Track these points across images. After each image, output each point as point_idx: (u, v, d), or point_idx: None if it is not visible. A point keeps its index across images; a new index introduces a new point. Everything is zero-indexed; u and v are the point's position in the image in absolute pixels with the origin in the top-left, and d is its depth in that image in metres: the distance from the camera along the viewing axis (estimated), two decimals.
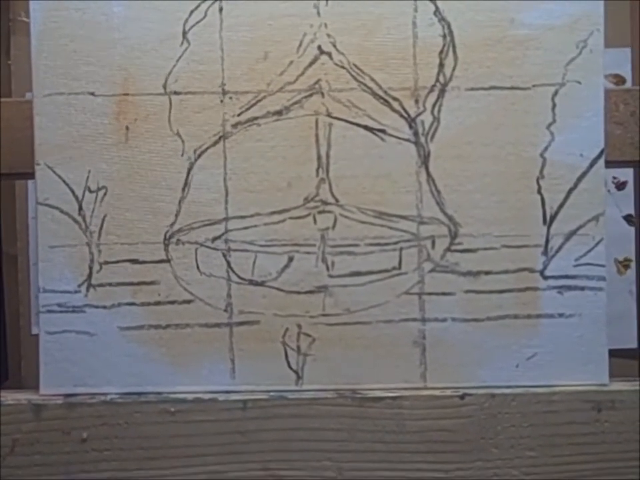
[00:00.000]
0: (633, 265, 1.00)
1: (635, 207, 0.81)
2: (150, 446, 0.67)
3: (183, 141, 0.68)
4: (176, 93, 0.68)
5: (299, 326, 0.68)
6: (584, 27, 0.68)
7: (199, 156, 0.68)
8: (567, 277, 0.68)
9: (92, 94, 0.68)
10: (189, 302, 0.68)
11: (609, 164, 0.70)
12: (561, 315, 0.68)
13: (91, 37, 0.68)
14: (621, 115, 0.74)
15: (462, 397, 0.68)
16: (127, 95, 0.68)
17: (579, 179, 0.68)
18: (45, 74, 0.68)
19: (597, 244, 0.68)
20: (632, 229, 0.94)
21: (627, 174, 1.00)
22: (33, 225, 0.91)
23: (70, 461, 0.67)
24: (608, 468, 0.67)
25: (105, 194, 0.68)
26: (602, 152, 0.68)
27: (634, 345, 0.80)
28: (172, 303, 0.68)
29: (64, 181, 0.68)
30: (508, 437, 0.68)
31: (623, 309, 0.82)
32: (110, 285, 0.68)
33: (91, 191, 0.68)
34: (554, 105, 0.68)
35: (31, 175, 0.69)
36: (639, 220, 0.81)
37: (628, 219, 1.01)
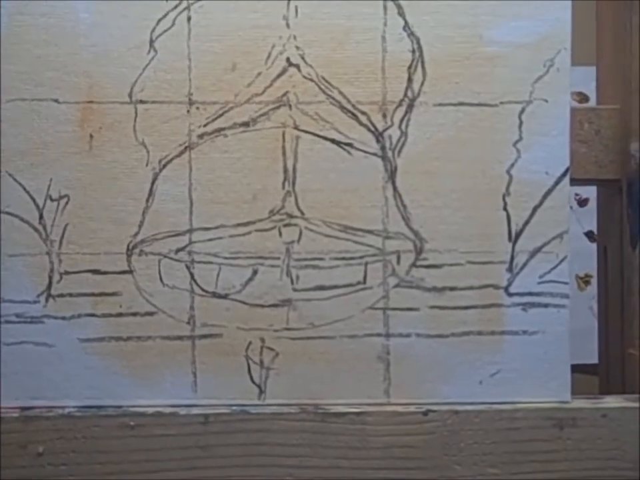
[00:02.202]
0: (594, 281, 1.01)
1: (597, 223, 0.81)
2: (108, 461, 0.66)
3: (148, 151, 0.67)
4: (142, 101, 0.67)
5: (262, 340, 0.68)
6: (551, 45, 0.68)
7: (164, 166, 0.67)
8: (531, 294, 0.68)
9: (56, 101, 0.67)
10: (151, 314, 0.67)
11: (573, 182, 0.70)
12: (524, 332, 0.68)
13: (56, 42, 0.66)
14: (585, 134, 0.75)
15: (425, 413, 0.67)
16: (91, 102, 0.67)
17: (544, 197, 0.69)
18: (9, 79, 0.66)
19: (560, 261, 0.69)
20: (593, 245, 0.94)
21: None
22: None
23: (26, 476, 0.66)
24: None
25: (66, 202, 0.67)
26: (567, 170, 0.69)
27: (594, 361, 0.81)
28: (134, 314, 0.67)
29: (24, 189, 0.67)
30: (471, 454, 0.67)
31: (583, 325, 0.82)
32: (70, 295, 0.67)
33: (52, 200, 0.67)
34: (521, 123, 0.68)
35: None
36: (600, 237, 0.81)
37: (589, 235, 1.02)
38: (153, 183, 0.67)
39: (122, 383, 0.67)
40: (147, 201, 0.67)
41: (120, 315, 0.67)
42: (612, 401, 0.70)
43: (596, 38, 0.82)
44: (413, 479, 0.67)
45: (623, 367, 0.76)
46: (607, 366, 0.79)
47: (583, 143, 0.74)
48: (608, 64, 0.79)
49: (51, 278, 0.67)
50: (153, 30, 0.67)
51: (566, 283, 0.69)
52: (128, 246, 0.67)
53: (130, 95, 0.67)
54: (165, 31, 0.67)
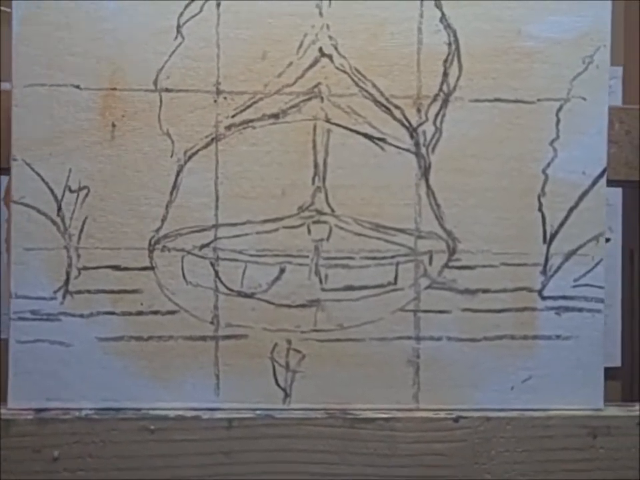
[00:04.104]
0: None
1: (622, 226, 0.79)
2: (127, 466, 0.63)
3: (172, 141, 0.64)
4: (167, 90, 0.64)
5: (289, 341, 0.65)
6: (591, 42, 0.66)
7: (189, 158, 0.64)
8: (565, 297, 0.66)
9: (77, 87, 0.63)
10: (173, 313, 0.64)
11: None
12: (558, 337, 0.66)
13: (78, 26, 0.63)
14: (615, 134, 0.73)
15: (456, 419, 0.65)
16: (114, 89, 0.63)
17: (581, 198, 0.66)
18: (27, 63, 0.63)
19: (596, 264, 0.67)
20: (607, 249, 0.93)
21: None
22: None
23: None
24: None
25: (86, 194, 0.63)
26: (604, 170, 0.67)
27: (614, 364, 0.79)
28: (155, 313, 0.64)
29: (42, 179, 0.63)
30: (502, 462, 0.65)
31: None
32: (88, 292, 0.64)
33: (71, 191, 0.63)
34: (558, 121, 0.66)
35: (6, 171, 0.63)
36: (627, 241, 0.79)
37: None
38: (177, 176, 0.64)
39: (141, 384, 0.64)
40: (171, 194, 0.64)
41: (140, 313, 0.64)
42: None
43: (624, 38, 0.80)
44: None
45: None
46: (631, 370, 0.78)
47: (613, 143, 0.72)
48: (635, 62, 0.77)
49: (68, 273, 0.64)
50: (181, 15, 0.64)
51: (601, 287, 0.67)
52: (150, 241, 0.64)
53: (155, 83, 0.64)
54: (193, 16, 0.64)
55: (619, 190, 0.80)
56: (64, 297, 0.64)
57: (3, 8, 0.85)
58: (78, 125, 0.63)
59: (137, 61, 0.64)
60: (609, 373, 0.76)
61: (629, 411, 0.67)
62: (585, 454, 0.66)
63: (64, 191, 0.63)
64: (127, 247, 0.64)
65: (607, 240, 1.01)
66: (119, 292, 0.64)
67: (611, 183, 0.72)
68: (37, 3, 0.63)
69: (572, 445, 0.66)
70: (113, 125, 0.64)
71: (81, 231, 0.64)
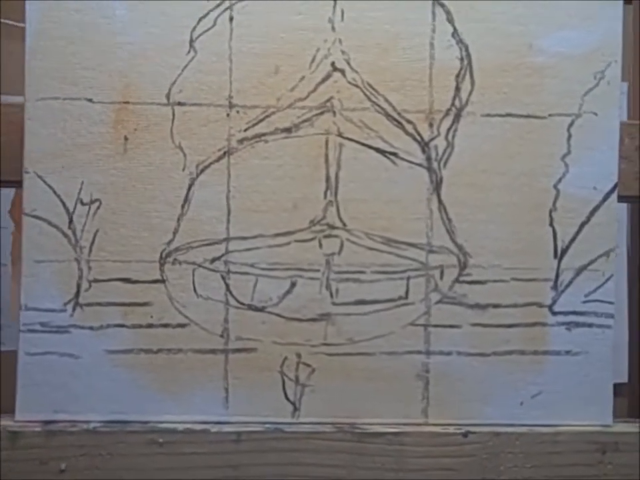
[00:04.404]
0: None
1: (631, 242, 0.79)
2: (134, 479, 0.63)
3: (184, 155, 0.64)
4: (180, 103, 0.64)
5: (299, 355, 0.65)
6: (602, 57, 0.66)
7: (202, 171, 0.64)
8: (575, 313, 0.66)
9: (89, 100, 0.63)
10: (183, 326, 0.64)
11: None
12: (567, 352, 0.66)
13: (91, 39, 0.63)
14: (626, 149, 0.72)
15: (465, 434, 0.65)
16: (127, 103, 0.63)
17: (592, 213, 0.66)
18: (40, 76, 0.63)
19: (607, 280, 0.67)
20: None
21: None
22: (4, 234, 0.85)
23: None
24: None
25: (98, 207, 0.64)
26: (615, 185, 0.67)
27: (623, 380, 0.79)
28: (165, 326, 0.64)
29: (54, 192, 0.63)
30: (510, 478, 0.65)
31: None
32: (99, 304, 0.64)
33: (83, 204, 0.64)
34: (569, 136, 0.66)
35: (19, 184, 0.64)
36: (635, 257, 0.79)
37: None
38: (189, 189, 0.64)
39: (150, 397, 0.64)
40: (183, 207, 0.64)
41: (150, 326, 0.64)
42: None
43: (633, 53, 0.80)
44: None
45: None
46: (638, 386, 0.77)
47: (623, 159, 0.72)
48: (638, 79, 0.77)
49: (79, 286, 0.64)
50: (194, 29, 0.64)
51: (612, 303, 0.67)
52: (161, 254, 0.64)
53: (167, 96, 0.64)
54: (206, 30, 0.64)
55: (624, 205, 0.80)
56: (74, 309, 0.64)
57: (4, 20, 0.85)
58: (90, 138, 0.63)
59: (149, 75, 0.64)
60: (616, 389, 0.76)
61: (637, 427, 0.67)
62: (593, 470, 0.66)
63: (75, 204, 0.63)
64: (137, 259, 0.64)
65: None
66: (130, 304, 0.64)
67: (621, 199, 0.72)
68: (50, 16, 0.63)
69: (581, 460, 0.66)
70: (126, 139, 0.64)
71: (92, 243, 0.64)
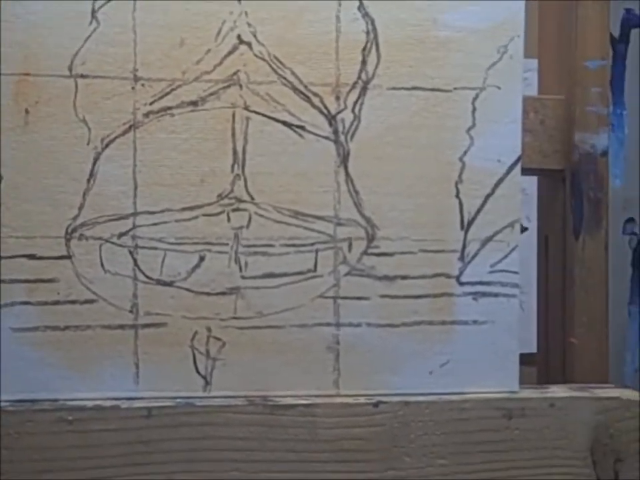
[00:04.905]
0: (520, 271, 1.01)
1: (537, 213, 0.81)
2: (43, 458, 0.62)
3: (89, 129, 0.63)
4: (83, 76, 0.63)
5: (209, 329, 0.65)
6: (505, 32, 0.67)
7: (107, 145, 0.63)
8: (481, 283, 0.68)
9: None
10: (91, 302, 0.63)
11: None
12: (474, 322, 0.68)
13: None
14: (530, 123, 0.74)
15: (376, 404, 0.66)
16: (27, 74, 0.62)
17: (496, 185, 0.68)
18: None
19: (511, 250, 0.68)
20: (521, 236, 0.94)
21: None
22: None
23: None
24: (518, 476, 0.67)
25: None
26: (519, 158, 0.68)
27: (530, 350, 0.81)
28: (72, 302, 0.63)
29: None
30: (420, 445, 0.66)
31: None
32: (3, 281, 0.62)
33: None
34: (474, 109, 0.67)
35: None
36: (541, 227, 0.81)
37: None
38: (94, 163, 0.63)
39: (58, 375, 0.63)
40: (88, 182, 0.63)
41: (57, 302, 0.63)
42: (558, 391, 0.70)
43: (538, 29, 0.81)
44: (363, 471, 0.65)
45: (564, 357, 0.76)
46: (546, 356, 0.79)
47: (527, 132, 0.73)
48: (551, 55, 0.79)
49: None
50: None
51: (516, 273, 0.68)
52: (67, 229, 0.63)
53: (70, 68, 0.63)
54: (108, 0, 0.63)
55: (535, 179, 0.82)
56: None
57: None
58: None
59: (50, 46, 0.62)
60: (525, 359, 0.78)
61: (542, 393, 0.69)
62: (500, 435, 0.67)
63: None
64: (42, 235, 0.63)
65: (525, 229, 1.03)
66: (35, 281, 0.63)
67: (526, 171, 0.74)
68: None
69: (488, 426, 0.67)
70: (27, 111, 0.62)
71: None
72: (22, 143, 0.62)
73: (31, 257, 0.63)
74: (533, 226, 0.87)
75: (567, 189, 0.75)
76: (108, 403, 0.63)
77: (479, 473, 0.67)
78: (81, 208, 0.63)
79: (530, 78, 0.85)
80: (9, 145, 0.62)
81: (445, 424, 0.67)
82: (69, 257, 0.63)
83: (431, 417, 0.66)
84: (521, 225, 0.87)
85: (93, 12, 0.63)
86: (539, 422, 0.68)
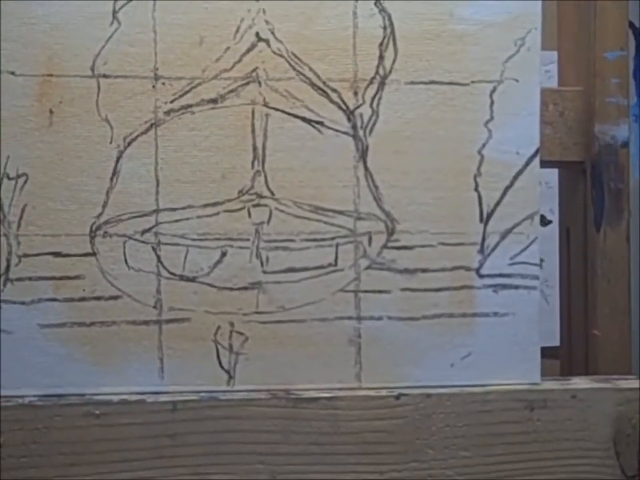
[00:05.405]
0: (544, 264, 1.01)
1: (559, 205, 0.81)
2: (72, 451, 0.63)
3: (111, 127, 0.64)
4: (105, 75, 0.64)
5: (232, 324, 0.66)
6: (522, 24, 0.68)
7: (129, 144, 0.64)
8: (501, 275, 0.68)
9: (12, 73, 0.63)
10: (115, 298, 0.64)
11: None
12: (495, 314, 0.68)
13: (12, 11, 0.63)
14: (550, 115, 0.74)
15: (397, 397, 0.66)
16: (50, 75, 0.63)
17: (515, 177, 0.68)
18: None
19: (531, 243, 0.68)
20: (544, 229, 0.94)
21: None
22: None
23: None
24: (540, 467, 0.67)
25: (25, 181, 0.63)
26: (537, 150, 0.68)
27: (547, 344, 0.81)
28: (97, 299, 0.64)
29: None
30: (442, 438, 0.67)
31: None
32: (30, 279, 0.64)
33: (9, 178, 0.63)
34: (492, 102, 0.67)
35: None
36: (563, 219, 0.81)
37: (541, 219, 1.02)
38: (117, 162, 0.64)
39: (85, 370, 0.64)
40: (111, 180, 0.64)
41: (83, 299, 0.64)
42: (581, 382, 0.70)
43: (557, 20, 0.81)
44: (385, 463, 0.66)
45: (587, 349, 0.76)
46: (569, 348, 0.79)
47: (547, 125, 0.73)
48: (570, 46, 0.79)
49: (9, 261, 0.63)
50: (116, 0, 0.64)
51: (536, 265, 0.68)
52: (91, 227, 0.64)
53: (92, 69, 0.64)
54: (129, 1, 0.64)
55: (555, 171, 0.82)
56: (5, 285, 0.64)
57: None
58: (14, 111, 0.63)
59: (73, 47, 0.64)
60: (549, 352, 0.78)
61: (564, 384, 0.69)
62: (522, 427, 0.67)
63: (2, 179, 0.63)
64: (67, 233, 0.64)
65: (549, 222, 1.03)
66: (61, 278, 0.64)
67: (546, 164, 0.74)
68: None
69: (510, 418, 0.67)
70: (51, 112, 0.64)
71: (21, 218, 0.64)
72: (46, 143, 0.64)
73: (57, 254, 0.64)
74: (556, 218, 0.87)
75: (587, 181, 0.75)
76: (134, 397, 0.64)
77: (501, 464, 0.67)
78: (104, 206, 0.64)
79: (552, 70, 0.85)
80: (34, 145, 0.64)
81: (467, 416, 0.67)
82: (93, 254, 0.64)
83: (452, 409, 0.67)
84: (545, 218, 0.88)
85: (114, 12, 0.64)
86: (561, 413, 0.68)
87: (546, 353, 0.73)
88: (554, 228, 0.85)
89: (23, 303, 0.64)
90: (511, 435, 0.67)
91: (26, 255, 0.64)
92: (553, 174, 0.85)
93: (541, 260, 0.99)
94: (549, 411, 0.68)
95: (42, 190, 0.64)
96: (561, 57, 0.81)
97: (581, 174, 0.76)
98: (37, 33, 0.63)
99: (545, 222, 1.06)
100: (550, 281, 0.97)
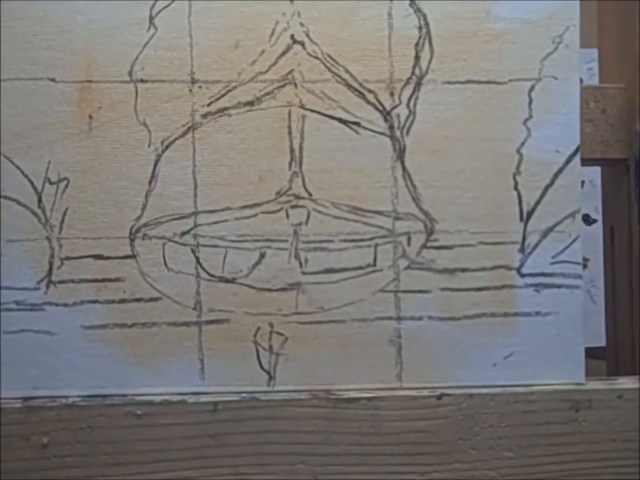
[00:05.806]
0: (590, 264, 1.00)
1: (602, 204, 0.80)
2: (115, 451, 0.64)
3: (149, 131, 0.65)
4: (142, 80, 0.65)
5: (271, 324, 0.66)
6: (560, 22, 0.67)
7: (167, 147, 0.65)
8: (543, 274, 0.67)
9: (52, 80, 0.64)
10: (155, 299, 0.65)
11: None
12: (537, 313, 0.67)
13: (52, 19, 0.64)
14: (591, 113, 0.73)
15: (439, 397, 0.66)
16: (90, 81, 0.65)
17: (555, 176, 0.67)
18: (4, 58, 0.64)
19: (573, 241, 0.67)
20: (589, 228, 0.93)
21: (583, 174, 0.99)
22: None
23: (29, 468, 0.63)
24: (585, 468, 0.66)
25: (66, 186, 0.65)
26: (578, 148, 0.67)
27: (592, 344, 0.80)
28: (138, 300, 0.65)
29: (22, 172, 0.64)
30: (486, 438, 0.66)
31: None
32: (72, 281, 0.65)
33: (51, 183, 0.65)
34: (530, 101, 0.67)
35: None
36: (607, 218, 0.80)
37: (585, 218, 1.01)
38: (155, 165, 0.65)
39: (127, 370, 0.65)
40: (150, 183, 0.65)
41: (123, 301, 0.65)
42: (627, 382, 0.68)
43: (597, 17, 0.81)
44: (427, 463, 0.65)
45: (633, 349, 0.75)
46: (615, 348, 0.78)
47: (589, 122, 0.73)
48: (611, 43, 0.78)
49: (51, 264, 0.65)
50: (153, 6, 0.65)
51: (579, 264, 0.67)
52: (131, 230, 0.65)
53: (130, 74, 0.65)
54: (165, 6, 0.65)
55: (598, 169, 0.81)
56: (47, 287, 0.65)
57: None
58: (55, 117, 0.64)
59: (111, 53, 0.65)
60: (594, 352, 0.77)
61: (610, 384, 0.68)
62: (567, 427, 0.67)
63: (44, 183, 0.65)
64: (107, 236, 0.65)
65: (594, 221, 1.01)
66: (102, 280, 0.65)
67: (588, 162, 0.73)
68: None
69: (555, 418, 0.66)
70: (90, 117, 0.65)
71: (62, 221, 0.65)
72: (86, 148, 0.65)
73: (98, 257, 0.65)
74: (600, 217, 0.86)
75: (630, 179, 0.74)
76: (175, 398, 0.65)
77: (547, 465, 0.66)
78: (143, 209, 0.65)
79: (594, 68, 0.85)
80: (74, 150, 0.65)
81: (511, 416, 0.66)
82: (133, 256, 0.65)
83: (496, 409, 0.66)
84: (589, 217, 0.86)
85: (151, 18, 0.65)
86: (606, 414, 0.67)
87: (592, 353, 0.72)
88: (599, 227, 0.84)
89: (65, 305, 0.65)
90: (556, 435, 0.66)
91: (68, 258, 0.65)
92: (597, 172, 0.84)
93: (587, 260, 0.98)
94: (594, 412, 0.67)
95: (82, 194, 0.65)
96: (602, 54, 0.80)
97: (624, 171, 0.75)
98: (76, 40, 0.64)
99: (589, 221, 1.05)
100: (596, 281, 0.95)
